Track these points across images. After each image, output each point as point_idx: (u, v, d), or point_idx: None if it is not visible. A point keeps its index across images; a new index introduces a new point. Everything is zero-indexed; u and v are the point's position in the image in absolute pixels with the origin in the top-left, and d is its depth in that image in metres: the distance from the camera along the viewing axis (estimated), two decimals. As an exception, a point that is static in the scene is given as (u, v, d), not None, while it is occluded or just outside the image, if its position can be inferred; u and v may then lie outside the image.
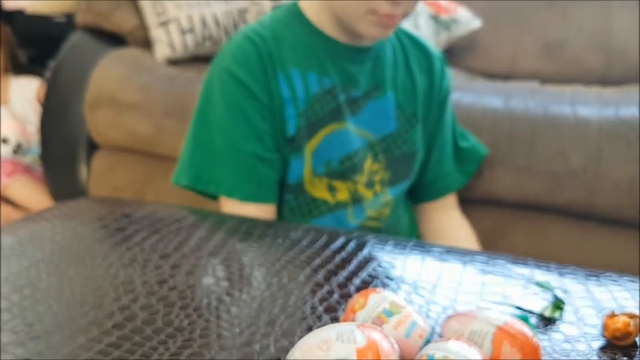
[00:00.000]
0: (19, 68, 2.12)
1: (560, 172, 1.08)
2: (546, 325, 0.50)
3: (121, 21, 1.51)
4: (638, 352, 0.46)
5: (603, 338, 0.48)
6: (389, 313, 0.42)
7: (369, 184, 0.89)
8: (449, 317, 0.45)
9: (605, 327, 0.48)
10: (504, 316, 0.42)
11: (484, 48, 1.74)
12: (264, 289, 0.53)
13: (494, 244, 1.12)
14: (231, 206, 0.83)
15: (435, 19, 1.64)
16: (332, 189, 0.86)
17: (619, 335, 0.47)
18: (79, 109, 1.43)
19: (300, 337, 0.40)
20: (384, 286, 0.55)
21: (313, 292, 0.53)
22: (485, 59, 1.73)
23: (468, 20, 1.68)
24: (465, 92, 1.20)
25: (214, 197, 0.86)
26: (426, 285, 0.56)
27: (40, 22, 2.22)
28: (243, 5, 1.49)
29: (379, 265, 0.59)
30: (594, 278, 0.58)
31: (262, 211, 0.83)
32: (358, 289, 0.54)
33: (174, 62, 1.45)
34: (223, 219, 0.70)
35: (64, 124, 1.51)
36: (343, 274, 0.57)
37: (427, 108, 0.94)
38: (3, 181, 1.87)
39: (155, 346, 0.44)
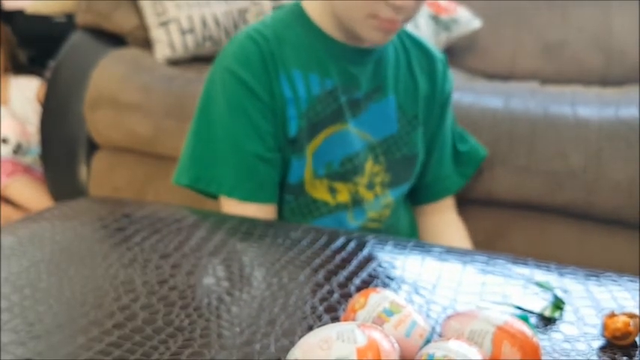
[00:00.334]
0: (19, 68, 2.12)
1: (560, 172, 1.08)
2: (546, 325, 0.50)
3: (121, 21, 1.51)
4: (638, 352, 0.46)
5: (603, 338, 0.48)
6: (389, 313, 0.42)
7: (370, 186, 0.88)
8: (449, 317, 0.45)
9: (605, 327, 0.48)
10: (504, 316, 0.42)
11: (484, 48, 1.74)
12: (264, 289, 0.53)
13: (494, 244, 1.12)
14: (232, 206, 0.83)
15: (435, 19, 1.64)
16: (332, 190, 0.86)
17: (619, 335, 0.47)
18: (79, 109, 1.43)
19: (300, 337, 0.40)
20: (385, 285, 0.55)
21: (313, 291, 0.54)
22: (485, 59, 1.73)
23: (467, 20, 1.68)
24: (465, 92, 1.20)
25: (215, 197, 0.86)
26: (426, 285, 0.56)
27: (40, 22, 2.21)
28: (243, 5, 1.49)
29: (379, 265, 0.59)
30: (594, 278, 0.58)
31: (262, 211, 0.83)
32: (358, 289, 0.54)
33: (174, 62, 1.45)
34: (223, 219, 0.70)
35: (64, 124, 1.51)
36: (343, 273, 0.57)
37: (428, 110, 0.93)
38: (3, 181, 1.87)
39: (156, 345, 0.44)
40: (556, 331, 0.49)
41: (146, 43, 1.48)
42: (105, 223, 0.66)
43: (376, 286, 0.55)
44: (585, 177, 1.07)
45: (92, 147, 1.47)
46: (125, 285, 0.53)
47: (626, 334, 0.47)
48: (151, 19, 1.45)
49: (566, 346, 0.47)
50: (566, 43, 1.67)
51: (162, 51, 1.44)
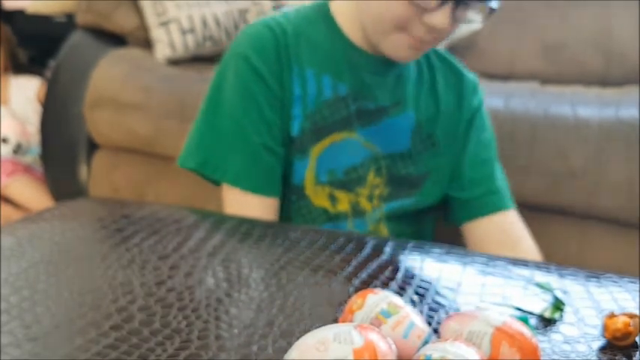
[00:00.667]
0: (19, 68, 2.13)
1: (560, 173, 1.08)
2: (546, 326, 0.50)
3: (122, 21, 1.51)
4: (638, 352, 0.46)
5: (603, 339, 0.48)
6: (387, 314, 0.42)
7: (370, 198, 0.87)
8: (447, 317, 0.45)
9: (605, 327, 0.48)
10: (503, 317, 0.42)
11: (484, 48, 1.73)
12: (262, 290, 0.53)
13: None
14: (234, 195, 0.82)
15: (435, 19, 1.64)
16: (333, 199, 0.85)
17: (619, 335, 0.47)
18: (79, 109, 1.43)
19: (298, 338, 0.40)
20: (384, 286, 0.55)
21: (312, 292, 0.53)
22: (485, 60, 1.72)
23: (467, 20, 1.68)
24: (465, 92, 1.19)
25: (217, 183, 0.85)
26: (426, 286, 0.56)
27: (40, 22, 2.22)
28: (243, 5, 1.49)
29: (378, 266, 0.59)
30: (594, 279, 0.58)
31: (264, 204, 0.82)
32: (357, 290, 0.53)
33: (174, 62, 1.45)
34: (222, 220, 0.70)
35: (64, 124, 1.51)
36: (342, 274, 0.57)
37: (454, 126, 0.90)
38: (3, 181, 1.87)
39: (153, 347, 0.44)
40: (556, 332, 0.49)
41: (146, 43, 1.48)
42: (104, 224, 0.66)
43: (375, 287, 0.55)
44: (585, 177, 1.07)
45: (92, 147, 1.47)
46: (123, 286, 0.53)
47: (627, 335, 0.47)
48: (152, 19, 1.45)
49: (566, 347, 0.47)
50: (565, 43, 1.67)
51: (162, 51, 1.44)
